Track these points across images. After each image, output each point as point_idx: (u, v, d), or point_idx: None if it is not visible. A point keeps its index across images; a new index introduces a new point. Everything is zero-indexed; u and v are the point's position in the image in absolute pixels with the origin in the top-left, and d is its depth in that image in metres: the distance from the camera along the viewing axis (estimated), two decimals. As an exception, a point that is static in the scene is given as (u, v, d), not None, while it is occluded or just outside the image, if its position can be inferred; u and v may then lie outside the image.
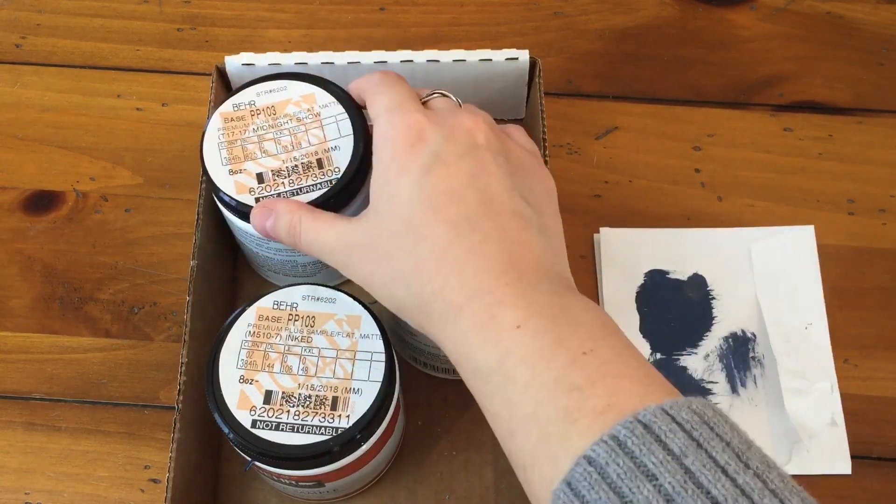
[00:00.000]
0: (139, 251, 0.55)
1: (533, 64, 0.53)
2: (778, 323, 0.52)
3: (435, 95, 0.42)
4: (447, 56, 0.52)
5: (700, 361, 0.52)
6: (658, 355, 0.52)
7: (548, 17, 0.62)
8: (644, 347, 0.52)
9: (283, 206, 0.42)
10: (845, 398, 0.51)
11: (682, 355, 0.52)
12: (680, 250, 0.55)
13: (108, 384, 0.52)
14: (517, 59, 0.52)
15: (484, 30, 0.62)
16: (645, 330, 0.53)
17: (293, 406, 0.40)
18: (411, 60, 0.52)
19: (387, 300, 0.38)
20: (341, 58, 0.51)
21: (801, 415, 0.49)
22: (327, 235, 0.40)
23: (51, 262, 0.55)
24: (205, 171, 0.45)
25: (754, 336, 0.53)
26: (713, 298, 0.54)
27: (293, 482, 0.43)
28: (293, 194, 0.44)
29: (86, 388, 0.51)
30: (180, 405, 0.43)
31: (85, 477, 0.49)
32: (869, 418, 0.51)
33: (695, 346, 0.52)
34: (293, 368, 0.41)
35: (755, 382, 0.51)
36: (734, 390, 0.51)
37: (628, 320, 0.53)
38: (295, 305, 0.43)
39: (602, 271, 0.54)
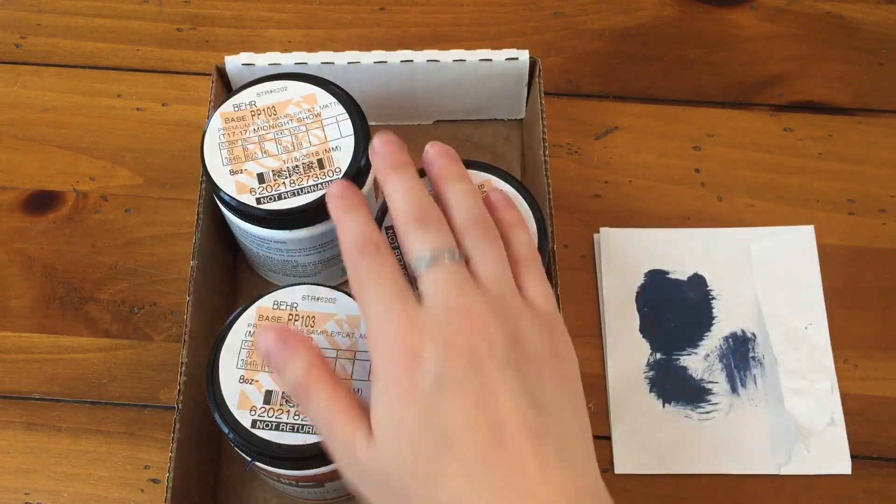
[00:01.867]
0: (139, 251, 0.55)
1: (533, 64, 0.53)
2: (778, 323, 0.52)
3: (431, 259, 0.36)
4: (447, 56, 0.52)
5: (700, 361, 0.52)
6: (658, 355, 0.52)
7: (548, 17, 0.62)
8: (644, 347, 0.52)
9: (304, 351, 0.36)
10: (845, 398, 0.51)
11: (683, 355, 0.52)
12: (680, 250, 0.55)
13: (108, 384, 0.52)
14: (517, 59, 0.52)
15: (484, 30, 0.62)
16: (645, 330, 0.53)
17: (293, 406, 0.40)
18: (411, 60, 0.52)
19: None
20: (341, 58, 0.51)
21: (801, 415, 0.50)
22: (339, 438, 0.35)
23: (51, 262, 0.55)
24: (205, 171, 0.45)
25: (754, 336, 0.53)
26: (713, 298, 0.54)
27: (293, 482, 0.43)
28: (294, 194, 0.44)
29: (86, 388, 0.51)
30: (180, 405, 0.43)
31: (85, 477, 0.49)
32: (869, 418, 0.51)
33: (695, 345, 0.52)
34: (293, 368, 0.41)
35: (755, 382, 0.51)
36: (734, 390, 0.51)
37: (628, 320, 0.53)
38: (295, 305, 0.43)
39: (602, 271, 0.54)
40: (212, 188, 0.46)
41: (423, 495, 0.32)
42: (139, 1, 0.63)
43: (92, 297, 0.54)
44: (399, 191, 0.38)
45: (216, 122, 0.47)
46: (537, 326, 0.36)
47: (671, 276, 0.54)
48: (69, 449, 0.50)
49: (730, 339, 0.53)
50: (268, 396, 0.40)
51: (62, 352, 0.52)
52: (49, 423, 0.51)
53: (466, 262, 0.37)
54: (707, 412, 0.51)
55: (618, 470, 0.49)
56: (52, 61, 0.61)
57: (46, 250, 0.55)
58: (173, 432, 0.43)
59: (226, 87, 0.52)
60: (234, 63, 0.51)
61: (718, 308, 0.53)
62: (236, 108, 0.47)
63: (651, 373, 0.52)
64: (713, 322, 0.53)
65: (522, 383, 0.33)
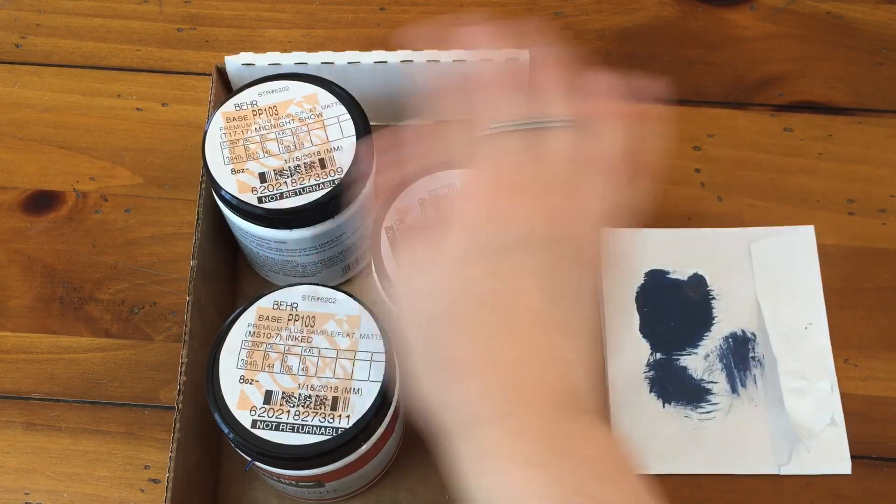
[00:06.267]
0: (139, 251, 0.55)
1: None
2: (778, 323, 0.52)
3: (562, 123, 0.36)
4: (447, 56, 0.52)
5: (700, 361, 0.52)
6: (658, 355, 0.52)
7: (548, 17, 0.62)
8: (644, 348, 0.52)
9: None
10: (845, 398, 0.51)
11: (683, 355, 0.52)
12: (680, 250, 0.55)
13: (108, 384, 0.52)
14: (517, 59, 0.52)
15: (484, 30, 0.62)
16: (645, 330, 0.53)
17: (293, 406, 0.40)
18: (411, 60, 0.52)
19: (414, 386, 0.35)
20: (341, 58, 0.51)
21: (801, 415, 0.50)
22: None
23: (51, 262, 0.55)
24: (206, 170, 0.45)
25: (754, 336, 0.53)
26: (713, 298, 0.54)
27: (293, 482, 0.43)
28: (296, 194, 0.44)
29: (86, 388, 0.51)
30: (180, 405, 0.43)
31: (85, 477, 0.49)
32: (869, 418, 0.51)
33: (695, 345, 0.53)
34: (293, 368, 0.41)
35: (755, 382, 0.51)
36: (734, 390, 0.51)
37: (628, 320, 0.53)
38: (295, 305, 0.43)
39: (602, 271, 0.54)
40: (213, 187, 0.46)
41: (431, 348, 0.34)
42: (139, 1, 0.63)
43: (92, 297, 0.54)
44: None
45: (218, 122, 0.47)
46: (584, 216, 0.38)
47: (671, 275, 0.54)
48: (69, 449, 0.50)
49: (730, 339, 0.53)
50: (268, 396, 0.40)
51: (62, 352, 0.52)
52: (49, 423, 0.51)
53: None
54: (707, 412, 0.51)
55: None
56: (52, 61, 0.61)
57: (46, 250, 0.55)
58: (173, 432, 0.43)
59: (226, 87, 0.52)
60: (234, 63, 0.51)
61: (718, 308, 0.53)
62: (238, 108, 0.47)
63: (651, 373, 0.52)
64: (713, 322, 0.53)
65: (550, 278, 0.35)
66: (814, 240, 0.55)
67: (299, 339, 0.42)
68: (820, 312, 0.53)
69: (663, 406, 0.51)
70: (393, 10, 0.62)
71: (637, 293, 0.54)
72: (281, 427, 0.40)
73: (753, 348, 0.52)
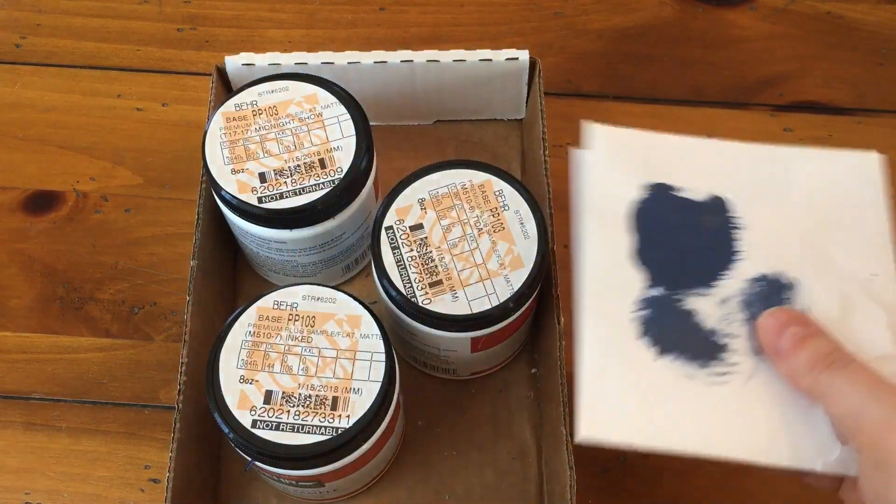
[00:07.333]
0: (139, 251, 0.55)
1: (533, 64, 0.53)
2: (827, 271, 0.39)
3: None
4: (447, 56, 0.52)
5: (714, 306, 0.38)
6: (656, 291, 0.39)
7: (548, 17, 0.62)
8: (636, 278, 0.39)
9: (824, 332, 0.36)
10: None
11: (690, 295, 0.39)
12: (696, 163, 0.41)
13: (108, 384, 0.52)
14: (517, 59, 0.52)
15: (484, 30, 0.62)
16: (640, 256, 0.39)
17: (293, 406, 0.40)
18: (411, 60, 0.52)
19: None
20: (341, 58, 0.51)
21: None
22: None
23: (51, 262, 0.55)
24: (207, 171, 0.45)
25: (794, 283, 0.39)
26: (736, 228, 0.40)
27: (293, 482, 0.43)
28: (296, 194, 0.44)
29: (86, 388, 0.51)
30: (180, 405, 0.43)
31: (85, 477, 0.49)
32: (869, 418, 0.51)
33: (707, 284, 0.39)
34: (293, 368, 0.41)
35: None
36: (759, 351, 0.38)
37: (616, 241, 0.40)
38: (295, 305, 0.43)
39: (583, 176, 0.40)
40: (213, 187, 0.46)
41: None
42: (139, 1, 0.63)
43: (92, 297, 0.54)
44: None
45: (217, 122, 0.47)
46: None
47: (681, 194, 0.41)
48: (69, 449, 0.50)
49: (761, 283, 0.39)
50: (268, 396, 0.40)
51: (62, 352, 0.52)
52: (49, 423, 0.51)
53: None
54: (720, 374, 0.37)
55: (580, 436, 0.36)
56: (52, 61, 0.61)
57: (46, 250, 0.55)
58: (173, 432, 0.43)
59: (226, 87, 0.52)
60: (234, 63, 0.51)
61: (745, 241, 0.40)
62: (238, 108, 0.47)
63: (646, 312, 0.38)
64: (735, 258, 0.39)
65: None
66: (881, 169, 0.42)
67: (299, 339, 0.42)
68: (888, 261, 0.39)
69: (658, 356, 0.38)
70: (393, 10, 0.62)
71: (634, 210, 0.40)
72: (281, 427, 0.40)
73: (791, 298, 0.38)
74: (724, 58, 0.61)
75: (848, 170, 0.42)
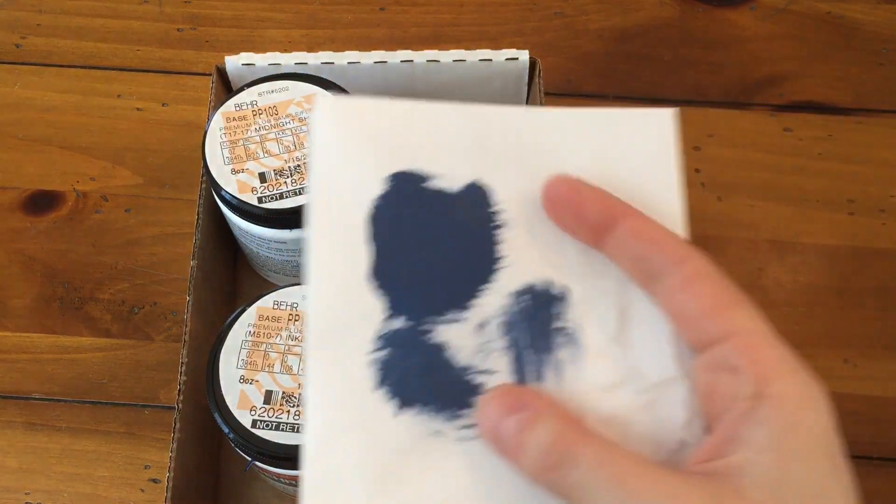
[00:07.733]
0: (139, 251, 0.55)
1: (533, 64, 0.53)
2: (607, 270, 0.30)
3: None
4: (447, 56, 0.52)
5: (469, 335, 0.29)
6: (400, 321, 0.29)
7: (548, 17, 0.63)
8: (375, 308, 0.29)
9: (547, 413, 0.27)
10: (845, 398, 0.51)
11: (440, 323, 0.29)
12: (451, 141, 0.31)
13: (108, 384, 0.52)
14: (517, 59, 0.52)
15: (484, 30, 0.62)
16: (380, 274, 0.29)
17: (293, 406, 0.40)
18: (411, 60, 0.52)
19: None
20: (341, 58, 0.51)
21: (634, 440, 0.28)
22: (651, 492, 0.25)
23: (51, 262, 0.55)
24: (207, 171, 0.45)
25: (565, 294, 0.29)
26: (499, 226, 0.30)
27: (293, 482, 0.43)
28: (296, 194, 0.45)
29: (86, 388, 0.51)
30: (180, 405, 0.43)
31: (85, 477, 0.49)
32: (869, 418, 0.51)
33: (461, 306, 0.29)
34: (293, 368, 0.41)
35: (560, 374, 0.29)
36: (523, 383, 0.29)
37: (349, 260, 0.29)
38: (295, 305, 0.43)
39: (314, 173, 0.30)
40: (213, 187, 0.46)
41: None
42: (139, 1, 0.63)
43: (92, 297, 0.54)
44: None
45: (217, 122, 0.47)
46: None
47: (431, 183, 0.30)
48: (69, 449, 0.50)
49: (524, 298, 0.29)
50: (268, 396, 0.40)
51: (62, 352, 0.52)
52: (49, 423, 0.51)
53: None
54: (472, 426, 0.28)
55: None
56: (52, 61, 0.61)
57: (46, 250, 0.55)
58: (173, 432, 0.43)
59: (226, 87, 0.52)
60: (234, 63, 0.51)
61: (508, 242, 0.30)
62: (238, 108, 0.47)
63: (384, 353, 0.29)
64: (497, 266, 0.30)
65: None
66: (673, 127, 0.31)
67: (299, 339, 0.42)
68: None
69: (398, 412, 0.28)
70: (393, 10, 0.62)
71: (370, 212, 0.30)
72: (281, 427, 0.40)
73: (562, 314, 0.29)
74: (724, 58, 0.61)
75: (636, 135, 0.32)
